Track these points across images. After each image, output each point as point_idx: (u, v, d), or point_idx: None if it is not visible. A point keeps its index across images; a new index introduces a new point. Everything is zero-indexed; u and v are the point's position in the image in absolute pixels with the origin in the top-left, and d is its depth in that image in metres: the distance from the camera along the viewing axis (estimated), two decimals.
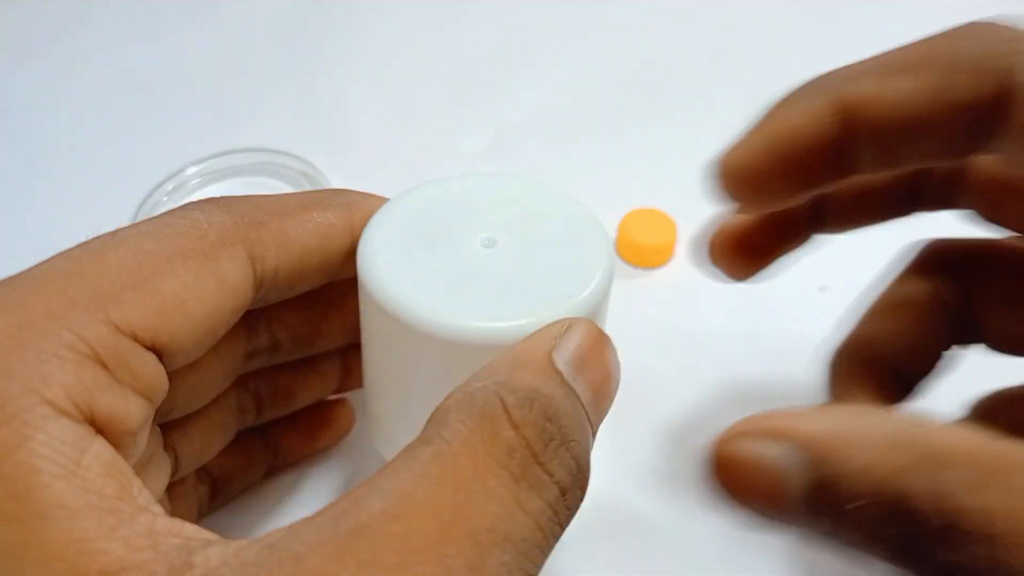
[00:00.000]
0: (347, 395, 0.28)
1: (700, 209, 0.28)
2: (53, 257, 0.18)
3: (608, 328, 0.21)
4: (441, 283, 0.20)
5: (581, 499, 0.17)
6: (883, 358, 0.23)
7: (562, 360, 0.17)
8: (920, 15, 0.46)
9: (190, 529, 0.15)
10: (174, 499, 0.23)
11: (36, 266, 0.18)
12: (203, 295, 0.18)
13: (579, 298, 0.20)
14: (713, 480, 0.16)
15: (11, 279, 0.17)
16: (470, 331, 0.19)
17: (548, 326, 0.18)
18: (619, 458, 0.28)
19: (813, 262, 0.34)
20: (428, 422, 0.16)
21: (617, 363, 0.19)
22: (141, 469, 0.19)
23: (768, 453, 0.15)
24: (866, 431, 0.14)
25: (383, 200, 0.23)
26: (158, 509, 0.15)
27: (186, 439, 0.22)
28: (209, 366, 0.21)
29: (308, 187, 0.36)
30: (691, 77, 0.44)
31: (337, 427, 0.28)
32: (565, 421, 0.16)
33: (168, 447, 0.22)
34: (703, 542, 0.26)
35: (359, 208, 0.22)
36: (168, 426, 0.22)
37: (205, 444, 0.23)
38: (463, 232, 0.21)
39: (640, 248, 0.34)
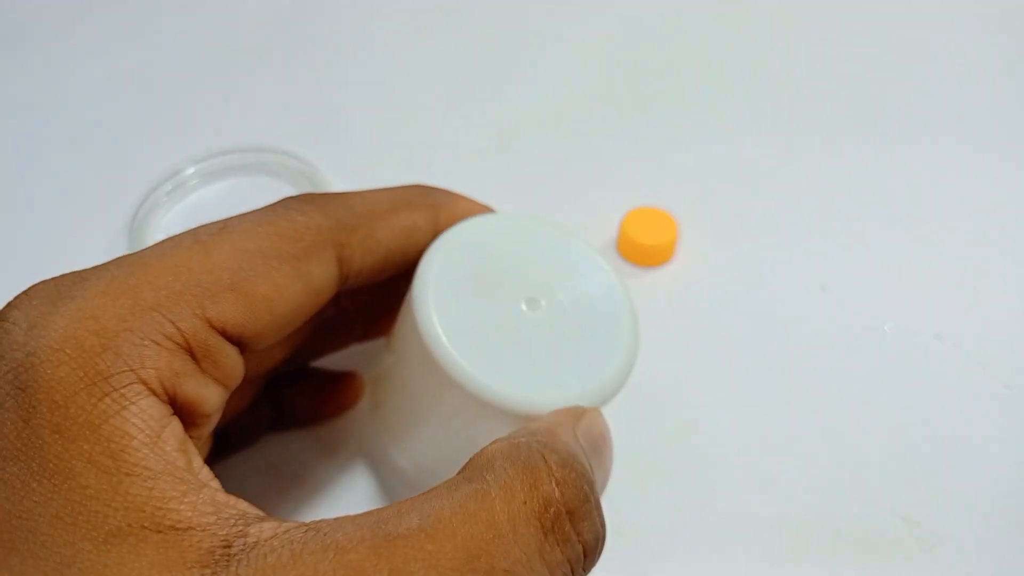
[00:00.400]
0: (358, 369, 0.29)
1: (701, 208, 0.29)
2: (167, 243, 0.19)
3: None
4: (485, 339, 0.21)
5: (594, 566, 0.18)
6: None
7: (582, 439, 0.19)
8: (920, 15, 0.46)
9: (245, 504, 0.17)
10: None
11: (152, 250, 0.19)
12: (290, 296, 0.20)
13: (606, 377, 0.22)
14: None
15: (131, 261, 0.19)
16: (504, 395, 0.20)
17: (571, 408, 0.20)
18: (618, 457, 0.28)
19: (814, 261, 0.34)
20: (471, 462, 0.18)
21: (611, 454, 0.21)
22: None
23: None
24: None
25: (469, 203, 0.24)
26: (217, 484, 0.17)
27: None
28: (276, 345, 0.23)
29: (308, 187, 0.36)
30: (692, 76, 0.44)
31: (345, 399, 0.29)
32: (595, 490, 0.18)
33: None
34: (704, 542, 0.26)
35: (445, 209, 0.24)
36: None
37: (229, 408, 0.24)
38: (510, 288, 0.22)
39: (640, 247, 0.34)
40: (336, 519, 0.16)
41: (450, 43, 0.46)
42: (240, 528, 0.16)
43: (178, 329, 0.18)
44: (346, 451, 0.28)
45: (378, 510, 0.16)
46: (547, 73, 0.44)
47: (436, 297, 0.22)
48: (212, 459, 0.25)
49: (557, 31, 0.47)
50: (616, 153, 0.39)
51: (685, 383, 0.30)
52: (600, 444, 0.20)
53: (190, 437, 0.18)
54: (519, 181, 0.38)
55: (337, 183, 0.37)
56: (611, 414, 0.22)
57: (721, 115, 0.41)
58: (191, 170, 0.37)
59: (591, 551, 0.17)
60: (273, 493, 0.27)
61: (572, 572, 0.17)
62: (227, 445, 0.27)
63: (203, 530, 0.16)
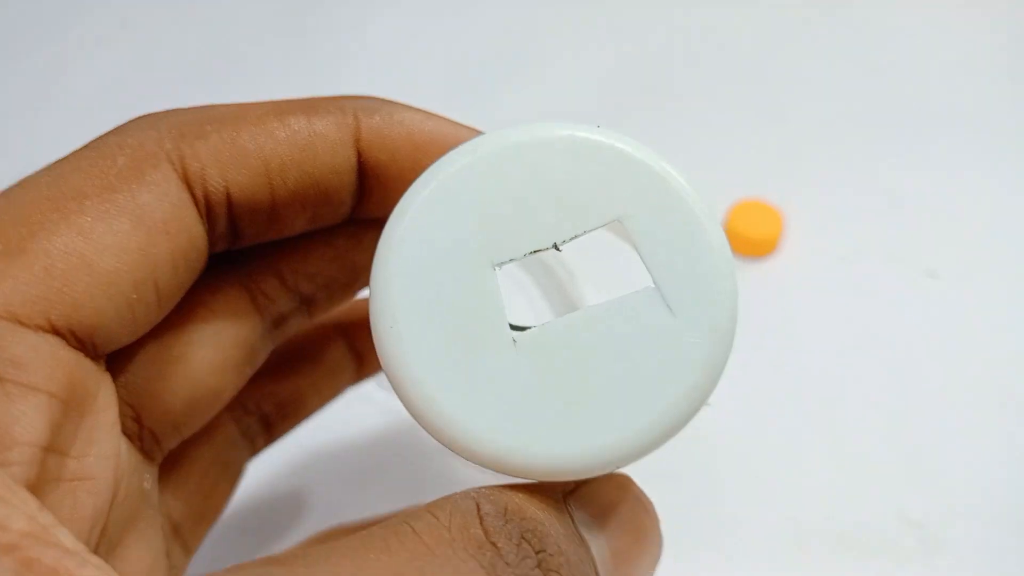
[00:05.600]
0: None
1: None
2: None
3: None
4: (472, 365, 0.14)
5: None
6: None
7: (578, 505, 0.14)
8: (920, 15, 0.45)
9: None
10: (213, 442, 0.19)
11: None
12: (114, 242, 0.14)
13: (643, 426, 0.14)
14: None
15: None
16: (484, 451, 0.14)
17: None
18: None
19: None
20: (394, 517, 0.13)
21: (655, 532, 0.16)
22: (128, 526, 0.16)
23: None
24: None
25: (418, 112, 0.17)
26: (59, 540, 0.11)
27: (181, 484, 0.18)
28: (211, 352, 0.17)
29: None
30: (693, 76, 0.43)
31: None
32: (551, 548, 0.13)
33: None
34: (704, 542, 0.26)
35: (370, 116, 0.16)
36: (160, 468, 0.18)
37: (205, 490, 0.19)
38: (521, 227, 0.14)
39: (746, 239, 0.34)
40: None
41: (450, 43, 0.46)
42: None
43: None
44: None
45: (271, 558, 0.12)
46: (547, 74, 0.44)
47: (400, 302, 0.14)
48: (267, 444, 0.21)
49: (558, 31, 0.46)
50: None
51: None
52: (605, 515, 0.15)
53: (11, 471, 0.12)
54: None
55: None
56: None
57: (723, 115, 0.41)
58: None
59: None
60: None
61: None
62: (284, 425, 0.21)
63: None
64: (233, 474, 0.20)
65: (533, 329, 0.14)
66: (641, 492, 0.16)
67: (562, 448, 0.13)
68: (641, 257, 0.14)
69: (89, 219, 0.14)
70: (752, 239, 0.34)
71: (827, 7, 0.45)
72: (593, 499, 0.15)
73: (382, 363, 0.14)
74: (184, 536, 0.19)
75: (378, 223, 0.16)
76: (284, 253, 0.18)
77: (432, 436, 0.14)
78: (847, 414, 0.29)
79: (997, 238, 0.34)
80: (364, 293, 0.21)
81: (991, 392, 0.29)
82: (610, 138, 0.15)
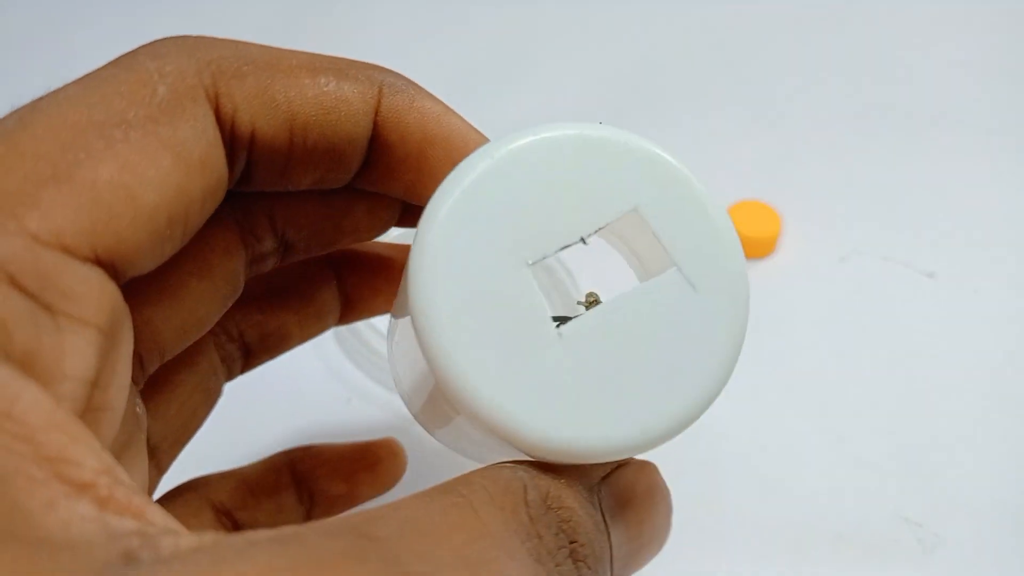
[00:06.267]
0: (395, 438, 0.25)
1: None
2: None
3: None
4: (509, 347, 0.14)
5: None
6: None
7: (604, 494, 0.15)
8: (920, 15, 0.46)
9: (154, 513, 0.11)
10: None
11: None
12: (156, 177, 0.14)
13: (664, 415, 0.15)
14: None
15: None
16: (513, 427, 0.14)
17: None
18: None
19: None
20: (449, 481, 0.14)
21: (667, 521, 0.16)
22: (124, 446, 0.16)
23: None
24: None
25: (430, 99, 0.17)
26: (121, 477, 0.12)
27: (162, 408, 0.19)
28: (203, 283, 0.17)
29: None
30: (692, 76, 0.43)
31: (386, 477, 0.23)
32: (582, 539, 0.14)
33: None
34: (704, 542, 0.26)
35: (393, 95, 0.17)
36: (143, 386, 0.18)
37: (185, 414, 0.19)
38: (549, 224, 0.15)
39: (744, 239, 0.34)
40: (301, 525, 0.12)
41: (450, 43, 0.46)
42: (134, 546, 0.11)
43: None
44: None
45: (347, 516, 0.13)
46: (548, 74, 0.44)
47: (443, 304, 0.14)
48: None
49: (558, 31, 0.47)
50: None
51: None
52: (628, 502, 0.15)
53: (65, 407, 0.12)
54: None
55: None
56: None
57: (724, 116, 0.41)
58: None
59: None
60: None
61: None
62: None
63: (73, 550, 0.10)
64: (211, 399, 0.20)
65: (573, 321, 0.15)
66: (662, 481, 0.16)
67: (615, 428, 0.14)
68: (660, 241, 0.15)
69: (134, 150, 0.14)
70: (751, 239, 0.34)
71: (826, 7, 0.46)
72: (621, 486, 0.15)
73: (430, 363, 0.15)
74: (159, 457, 0.19)
75: (375, 196, 0.18)
76: (280, 199, 0.19)
77: (480, 426, 0.15)
78: (847, 414, 0.29)
79: (996, 238, 0.34)
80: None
81: (991, 392, 0.29)
82: (614, 133, 0.16)
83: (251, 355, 0.21)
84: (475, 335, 0.14)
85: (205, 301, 0.18)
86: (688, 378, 0.15)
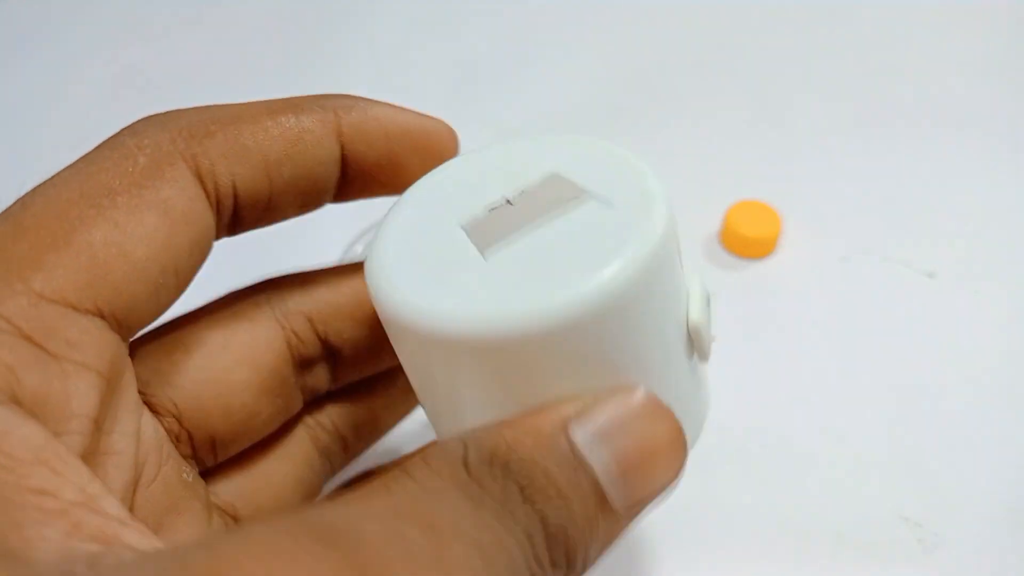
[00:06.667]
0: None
1: (699, 209, 0.28)
2: None
3: None
4: (433, 261, 0.16)
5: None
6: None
7: (582, 430, 0.14)
8: (920, 15, 0.46)
9: (131, 536, 0.12)
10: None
11: None
12: (144, 233, 0.16)
13: (606, 277, 0.15)
14: None
15: None
16: (456, 324, 0.15)
17: (582, 398, 0.15)
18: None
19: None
20: (392, 465, 0.15)
21: (675, 443, 0.16)
22: (172, 513, 0.17)
23: None
24: None
25: (392, 109, 0.19)
26: (106, 508, 0.13)
27: (248, 488, 0.20)
28: (243, 375, 0.19)
29: None
30: (691, 77, 0.43)
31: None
32: (537, 480, 0.14)
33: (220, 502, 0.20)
34: (704, 542, 0.26)
35: (348, 113, 0.19)
36: (221, 473, 0.20)
37: (278, 501, 0.20)
38: (480, 196, 0.17)
39: (744, 239, 0.34)
40: (256, 522, 0.13)
41: (451, 43, 0.46)
42: (100, 551, 0.12)
43: None
44: None
45: (296, 510, 0.13)
46: (548, 74, 0.44)
47: (391, 251, 0.17)
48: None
49: (559, 31, 0.47)
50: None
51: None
52: (626, 428, 0.15)
53: (74, 441, 0.14)
54: None
55: None
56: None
57: (724, 116, 0.41)
58: None
59: (537, 541, 0.14)
60: None
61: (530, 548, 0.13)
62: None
63: (34, 565, 0.11)
64: (309, 492, 0.21)
65: (497, 244, 0.16)
66: (658, 404, 0.16)
67: (542, 299, 0.15)
68: (581, 186, 0.17)
69: (122, 213, 0.16)
70: (751, 240, 0.34)
71: (827, 8, 0.46)
72: (599, 417, 0.15)
73: (377, 305, 0.16)
74: None
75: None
76: (319, 305, 0.21)
77: (423, 339, 0.16)
78: (846, 414, 0.29)
79: (996, 238, 0.34)
80: None
81: (990, 392, 0.29)
82: (565, 135, 0.18)
83: (348, 446, 0.23)
84: (412, 273, 0.16)
85: (250, 391, 0.19)
86: (603, 262, 0.15)
